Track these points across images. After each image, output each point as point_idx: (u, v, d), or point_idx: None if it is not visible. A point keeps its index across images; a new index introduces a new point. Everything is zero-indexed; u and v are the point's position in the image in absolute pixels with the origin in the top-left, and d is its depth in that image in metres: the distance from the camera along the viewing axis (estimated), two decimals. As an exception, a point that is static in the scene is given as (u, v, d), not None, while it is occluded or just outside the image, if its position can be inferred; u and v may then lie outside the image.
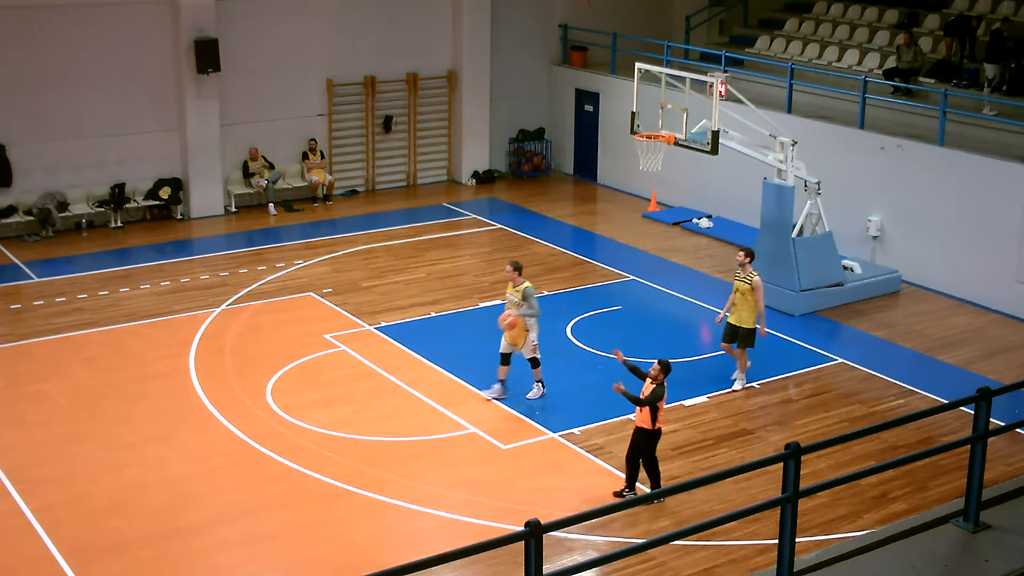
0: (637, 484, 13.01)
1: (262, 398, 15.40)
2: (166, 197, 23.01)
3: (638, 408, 12.84)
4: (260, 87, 23.92)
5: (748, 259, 15.69)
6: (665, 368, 12.82)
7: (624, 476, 13.17)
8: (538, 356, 15.32)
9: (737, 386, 15.74)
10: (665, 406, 15.09)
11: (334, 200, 24.74)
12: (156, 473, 13.55)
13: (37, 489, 13.09)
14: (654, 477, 12.95)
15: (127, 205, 22.74)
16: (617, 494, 13.00)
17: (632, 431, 13.03)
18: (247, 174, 23.72)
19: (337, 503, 12.95)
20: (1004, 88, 21.15)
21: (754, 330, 15.66)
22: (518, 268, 15.17)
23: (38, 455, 13.90)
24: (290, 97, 24.34)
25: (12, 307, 18.57)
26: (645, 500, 6.92)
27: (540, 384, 15.44)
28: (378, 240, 22.28)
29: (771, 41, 26.21)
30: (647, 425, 12.77)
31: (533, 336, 15.17)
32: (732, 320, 15.74)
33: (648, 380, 12.88)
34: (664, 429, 14.60)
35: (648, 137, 18.74)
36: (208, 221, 23.25)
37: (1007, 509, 7.98)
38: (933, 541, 7.55)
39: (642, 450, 12.86)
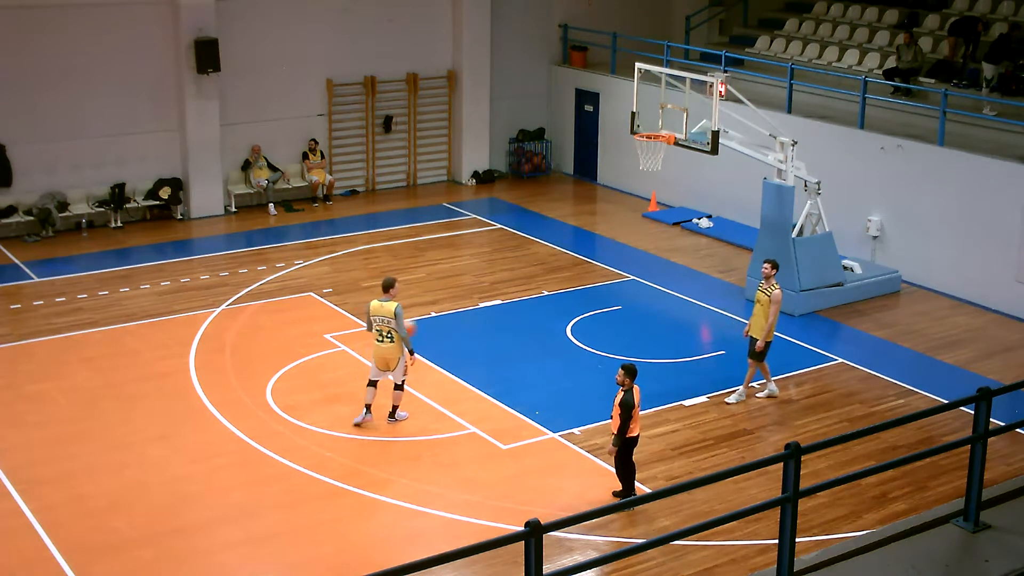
0: (637, 484, 13.01)
1: (262, 398, 15.39)
2: (166, 197, 23.00)
3: (613, 416, 12.79)
4: (260, 87, 23.91)
5: (773, 271, 15.28)
6: (630, 372, 12.64)
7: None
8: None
9: (731, 399, 15.44)
10: (665, 406, 15.21)
11: (334, 200, 24.74)
12: (156, 473, 13.54)
13: (37, 489, 13.08)
14: (627, 484, 12.86)
15: (127, 205, 22.73)
16: (617, 494, 12.99)
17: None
18: (246, 167, 23.75)
19: (337, 503, 12.95)
20: (1000, 88, 21.14)
21: (766, 343, 15.26)
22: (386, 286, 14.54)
23: (38, 455, 13.89)
24: (290, 97, 24.34)
25: (12, 307, 18.57)
26: (645, 500, 6.91)
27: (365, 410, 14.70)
28: (378, 240, 22.28)
29: (771, 41, 26.20)
30: (616, 431, 12.70)
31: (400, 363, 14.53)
32: (751, 332, 15.38)
33: (620, 389, 12.73)
34: (664, 429, 14.65)
35: (648, 137, 18.73)
36: (208, 221, 23.24)
37: (1007, 509, 7.98)
38: (933, 541, 7.55)
39: (618, 456, 12.80)
